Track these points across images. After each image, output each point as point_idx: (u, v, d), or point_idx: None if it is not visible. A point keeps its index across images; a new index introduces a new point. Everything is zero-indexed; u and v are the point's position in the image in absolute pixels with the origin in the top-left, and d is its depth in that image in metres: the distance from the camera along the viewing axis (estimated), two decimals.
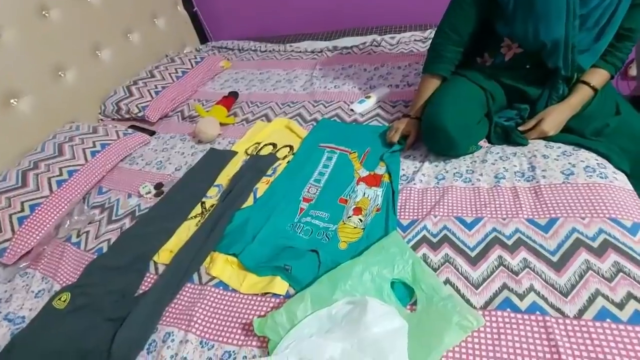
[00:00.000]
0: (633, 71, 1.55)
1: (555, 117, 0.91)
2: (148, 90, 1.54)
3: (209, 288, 0.83)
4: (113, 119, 1.56)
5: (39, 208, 1.07)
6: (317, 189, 1.00)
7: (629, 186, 0.81)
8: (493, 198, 0.84)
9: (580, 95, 0.90)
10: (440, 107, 0.93)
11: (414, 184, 0.94)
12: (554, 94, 0.91)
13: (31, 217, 1.04)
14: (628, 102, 1.04)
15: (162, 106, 1.51)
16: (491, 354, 0.60)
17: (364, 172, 1.01)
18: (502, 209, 0.82)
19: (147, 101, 1.50)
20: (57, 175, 1.16)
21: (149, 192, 1.14)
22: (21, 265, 0.99)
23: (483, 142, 1.01)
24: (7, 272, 0.99)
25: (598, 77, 0.90)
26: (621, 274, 0.65)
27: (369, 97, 1.29)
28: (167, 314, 0.79)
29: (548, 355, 0.58)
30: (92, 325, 0.78)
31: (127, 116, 1.52)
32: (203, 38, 2.13)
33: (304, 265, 0.79)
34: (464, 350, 0.61)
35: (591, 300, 0.63)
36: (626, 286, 0.63)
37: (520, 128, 0.96)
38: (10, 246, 1.00)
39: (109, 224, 1.08)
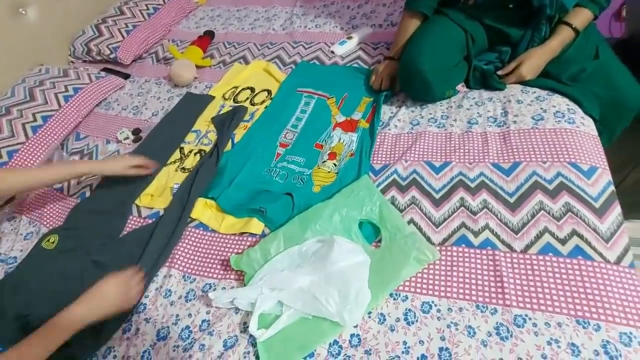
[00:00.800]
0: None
1: (534, 61, 0.90)
2: (118, 30, 1.44)
3: (189, 229, 0.87)
4: (84, 61, 1.49)
5: (17, 154, 1.06)
6: (294, 134, 1.01)
7: (594, 132, 0.83)
8: (463, 143, 0.86)
9: (561, 37, 0.88)
10: (417, 50, 0.90)
11: (389, 129, 0.95)
12: (536, 35, 0.89)
13: (9, 163, 1.05)
14: (611, 46, 1.02)
15: (134, 47, 1.43)
16: (443, 284, 0.67)
17: (340, 118, 1.01)
18: (470, 154, 0.84)
19: (119, 41, 1.42)
20: (32, 121, 1.13)
21: (127, 138, 1.14)
22: (6, 210, 1.02)
23: (461, 87, 1.00)
24: None
25: (581, 17, 0.87)
26: (570, 213, 0.70)
27: (351, 37, 1.24)
28: (151, 253, 0.84)
29: (493, 284, 0.65)
30: (81, 266, 0.83)
31: (98, 58, 1.44)
32: None
33: (279, 207, 0.83)
34: (419, 280, 0.68)
35: (538, 237, 0.69)
36: (572, 224, 0.69)
37: (499, 72, 0.95)
38: None
39: None
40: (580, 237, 0.67)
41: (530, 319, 0.60)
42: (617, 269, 0.62)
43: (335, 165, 0.91)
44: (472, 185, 0.79)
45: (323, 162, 0.92)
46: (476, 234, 0.72)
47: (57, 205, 1.01)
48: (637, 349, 0.55)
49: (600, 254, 0.64)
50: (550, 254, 0.66)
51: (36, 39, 1.37)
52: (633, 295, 0.60)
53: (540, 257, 0.66)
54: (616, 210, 0.69)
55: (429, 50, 0.89)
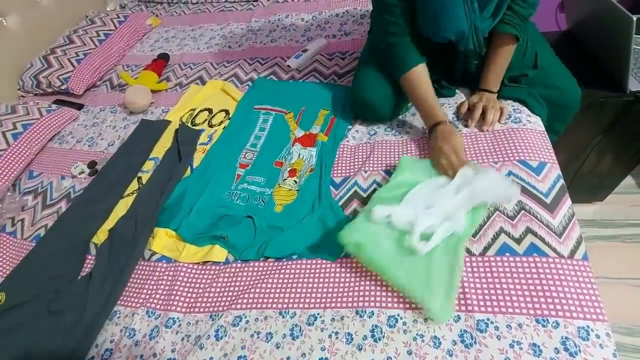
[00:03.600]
0: None
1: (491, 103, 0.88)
2: (68, 59, 1.40)
3: (152, 263, 0.84)
4: (35, 94, 1.43)
5: None
6: (253, 154, 1.00)
7: (541, 127, 0.86)
8: (418, 149, 0.87)
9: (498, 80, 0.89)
10: (361, 82, 0.94)
11: (347, 141, 0.95)
12: (471, 58, 0.91)
13: None
14: (555, 39, 1.05)
15: (86, 76, 1.39)
16: (408, 300, 0.66)
17: (299, 133, 1.01)
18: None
19: (69, 71, 1.37)
20: None
21: (82, 172, 1.09)
22: None
23: None
24: None
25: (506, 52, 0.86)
26: (523, 211, 0.71)
27: (306, 50, 1.24)
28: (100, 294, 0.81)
29: None
30: (34, 316, 0.78)
31: (49, 90, 1.39)
32: None
33: (240, 232, 0.81)
34: (384, 294, 0.67)
35: (495, 238, 0.70)
36: (526, 222, 0.70)
37: (470, 126, 0.89)
38: None
39: (45, 209, 1.04)
40: (534, 234, 0.68)
41: (492, 322, 0.60)
42: (570, 262, 0.64)
43: (295, 182, 0.90)
44: None
45: (284, 180, 0.91)
46: None
47: (11, 251, 0.95)
48: (594, 342, 0.56)
49: (554, 249, 0.66)
50: (507, 254, 0.67)
51: None
52: (587, 288, 0.61)
53: (498, 259, 0.67)
54: (567, 203, 0.71)
55: (379, 83, 0.91)
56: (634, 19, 0.83)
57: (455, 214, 0.67)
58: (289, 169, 0.93)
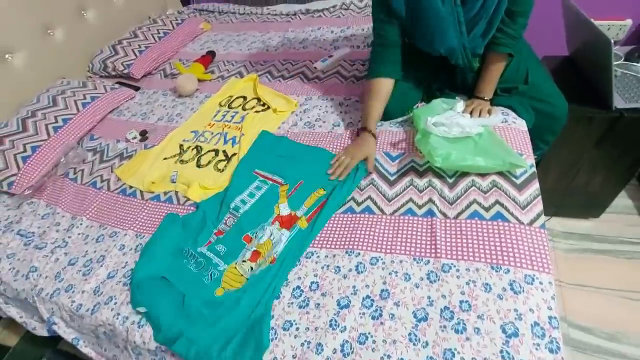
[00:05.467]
0: None
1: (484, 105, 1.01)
2: (132, 50, 1.66)
3: (188, 208, 1.02)
4: (101, 76, 1.70)
5: (39, 149, 1.24)
6: (234, 220, 0.94)
7: (524, 127, 0.99)
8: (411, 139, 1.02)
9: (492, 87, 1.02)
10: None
11: (356, 128, 1.12)
12: (467, 71, 1.05)
13: (33, 156, 1.22)
14: (558, 63, 1.17)
15: (145, 64, 1.64)
16: (389, 244, 0.80)
17: (285, 210, 0.93)
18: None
19: (132, 59, 1.63)
20: (54, 123, 1.32)
21: (135, 137, 1.31)
22: (26, 194, 1.17)
23: (420, 104, 1.16)
24: (14, 201, 1.17)
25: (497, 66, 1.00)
26: (495, 188, 0.85)
27: (331, 56, 1.44)
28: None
29: (428, 243, 0.79)
30: None
31: (113, 73, 1.65)
32: (184, 0, 2.21)
33: (165, 304, 0.79)
34: (370, 240, 0.81)
35: (468, 206, 0.83)
36: (496, 196, 0.83)
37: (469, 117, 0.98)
38: (17, 180, 1.18)
39: (101, 163, 1.26)
40: (502, 205, 0.81)
41: (454, 266, 0.73)
42: (529, 228, 0.76)
43: (251, 269, 0.82)
44: (421, 169, 0.94)
45: (242, 261, 0.84)
46: (420, 206, 0.86)
47: (71, 192, 1.17)
48: (537, 287, 0.68)
49: (516, 218, 0.78)
50: (476, 218, 0.80)
51: (60, 57, 1.58)
52: (540, 248, 0.73)
53: (468, 221, 0.80)
54: (534, 186, 0.84)
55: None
56: (612, 40, 0.97)
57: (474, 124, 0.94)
58: (253, 249, 0.86)
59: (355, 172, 0.96)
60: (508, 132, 0.97)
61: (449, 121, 0.93)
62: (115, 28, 1.79)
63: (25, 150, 1.23)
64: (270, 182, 1.01)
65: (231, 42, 1.77)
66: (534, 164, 0.89)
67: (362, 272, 0.77)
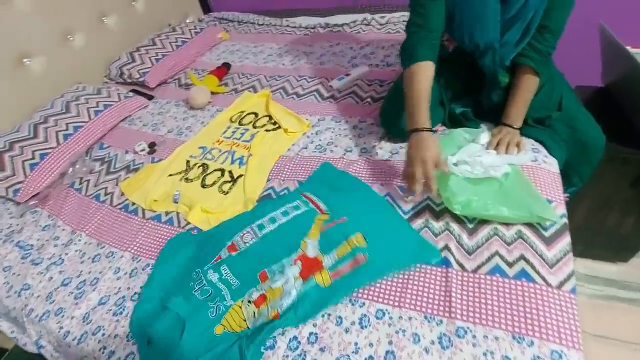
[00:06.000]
0: None
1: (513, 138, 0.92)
2: (149, 58, 1.65)
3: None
4: (117, 82, 1.69)
5: (47, 157, 1.22)
6: (252, 237, 0.83)
7: (555, 169, 0.90)
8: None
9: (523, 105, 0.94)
10: (390, 96, 1.03)
11: (370, 155, 1.05)
12: (491, 85, 0.98)
13: (41, 164, 1.20)
14: (591, 94, 1.09)
15: (161, 73, 1.63)
16: (397, 295, 0.73)
17: (311, 250, 0.79)
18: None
19: (148, 67, 1.62)
20: (64, 130, 1.31)
21: (143, 150, 1.28)
22: (30, 204, 1.16)
23: (439, 127, 1.08)
24: (19, 209, 1.16)
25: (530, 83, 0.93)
26: (520, 239, 0.76)
27: (348, 74, 1.38)
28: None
29: (442, 298, 0.71)
30: None
31: (129, 81, 1.64)
32: (206, 8, 2.20)
33: (164, 335, 0.74)
34: (377, 290, 0.74)
35: (489, 259, 0.75)
36: (521, 250, 0.75)
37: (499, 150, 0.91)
38: (23, 187, 1.16)
39: (107, 175, 1.23)
40: (527, 261, 0.73)
41: (470, 331, 0.65)
42: (557, 292, 0.68)
43: (253, 314, 0.72)
44: (437, 209, 0.87)
45: (249, 301, 0.74)
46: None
47: (74, 204, 1.14)
48: None
49: (543, 278, 0.70)
50: (498, 274, 0.72)
51: (78, 62, 1.58)
52: (569, 317, 0.64)
53: (488, 277, 0.72)
54: (565, 240, 0.75)
55: (400, 96, 0.99)
56: None
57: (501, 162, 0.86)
58: (263, 291, 0.75)
59: (402, 247, 0.77)
60: (537, 172, 0.88)
61: (471, 159, 0.85)
62: (135, 35, 1.78)
63: (33, 158, 1.22)
64: (312, 205, 0.87)
65: (248, 53, 1.74)
66: (565, 214, 0.80)
67: (366, 326, 0.69)
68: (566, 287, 0.68)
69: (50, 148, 1.25)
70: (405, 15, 1.65)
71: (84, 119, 1.36)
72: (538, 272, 0.71)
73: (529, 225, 0.78)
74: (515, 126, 0.94)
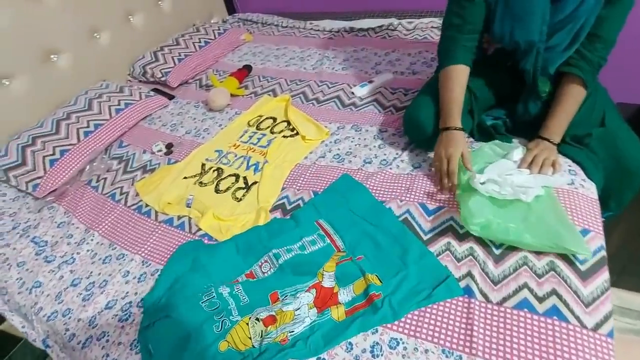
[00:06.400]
0: None
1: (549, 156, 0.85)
2: (172, 57, 1.65)
3: (197, 237, 0.95)
4: (139, 81, 1.70)
5: (67, 154, 1.23)
6: (270, 268, 0.82)
7: (593, 195, 0.83)
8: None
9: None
10: (418, 104, 0.98)
11: (390, 168, 1.00)
12: (533, 94, 0.91)
13: (60, 160, 1.22)
14: (630, 115, 1.01)
15: (183, 73, 1.63)
16: (414, 323, 0.68)
17: (328, 281, 0.77)
18: None
19: (170, 67, 1.62)
20: (85, 127, 1.32)
21: (160, 150, 1.28)
22: (48, 199, 1.17)
23: (466, 137, 1.03)
24: (36, 204, 1.17)
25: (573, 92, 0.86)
26: (552, 272, 0.70)
27: (372, 81, 1.33)
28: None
29: (462, 331, 0.65)
30: None
31: (151, 79, 1.65)
32: (230, 9, 2.20)
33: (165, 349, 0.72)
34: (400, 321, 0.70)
35: (516, 291, 0.69)
36: (553, 284, 0.68)
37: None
38: (42, 183, 1.17)
39: (124, 174, 1.23)
40: (559, 297, 0.66)
41: None
42: (593, 335, 0.61)
43: (260, 334, 0.70)
44: (461, 231, 0.81)
45: (257, 319, 0.72)
46: (457, 279, 0.73)
47: (91, 201, 1.15)
48: None
49: (578, 318, 0.63)
50: (526, 309, 0.66)
51: (104, 59, 1.60)
52: None
53: (515, 312, 0.66)
54: (603, 276, 0.68)
55: (429, 105, 0.96)
56: None
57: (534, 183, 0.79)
58: (272, 312, 0.73)
59: (415, 293, 0.72)
60: (573, 198, 0.81)
61: (501, 178, 0.79)
62: (160, 34, 1.80)
63: (54, 153, 1.23)
64: (329, 241, 0.86)
65: (270, 55, 1.71)
66: (604, 246, 0.73)
67: (378, 356, 0.65)
68: (603, 330, 0.62)
69: (71, 145, 1.26)
70: (434, 21, 1.60)
71: (105, 117, 1.37)
72: (572, 311, 0.64)
73: (563, 255, 0.72)
74: (553, 141, 0.87)
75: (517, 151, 0.86)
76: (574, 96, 0.85)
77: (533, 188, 0.78)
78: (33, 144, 1.24)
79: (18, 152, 1.23)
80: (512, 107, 1.00)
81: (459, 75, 0.91)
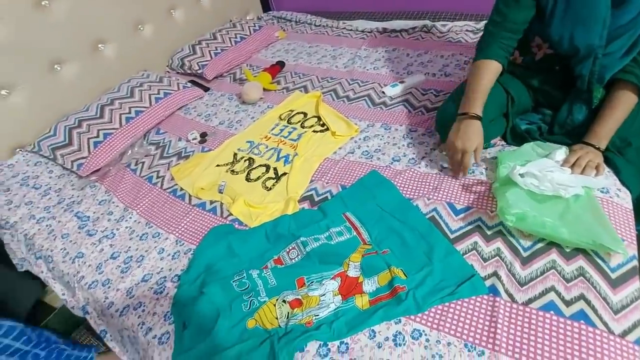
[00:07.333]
0: None
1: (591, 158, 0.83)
2: (209, 51, 1.72)
3: (228, 220, 1.00)
4: (177, 72, 1.78)
5: (110, 137, 1.31)
6: (298, 254, 0.85)
7: (628, 205, 0.81)
8: (490, 193, 0.89)
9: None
10: (452, 104, 0.98)
11: (419, 167, 1.01)
12: (578, 101, 0.91)
13: (104, 143, 1.30)
14: None
15: (218, 67, 1.69)
16: (437, 317, 0.69)
17: (353, 270, 0.79)
18: (494, 204, 0.87)
19: (207, 60, 1.69)
20: (127, 113, 1.40)
21: (195, 138, 1.34)
22: (91, 179, 1.25)
23: (498, 141, 1.03)
24: (80, 182, 1.25)
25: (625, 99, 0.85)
26: (581, 277, 0.69)
27: (403, 82, 1.34)
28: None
29: (486, 328, 0.66)
30: None
31: (188, 71, 1.72)
32: (265, 6, 2.26)
33: (196, 323, 0.76)
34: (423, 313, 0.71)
35: (543, 294, 0.69)
36: (582, 289, 0.68)
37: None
38: (86, 162, 1.26)
39: (160, 159, 1.30)
40: (588, 302, 0.66)
41: None
42: (620, 341, 0.61)
43: (286, 316, 0.73)
44: (489, 232, 0.81)
45: (283, 300, 0.76)
46: (483, 278, 0.74)
47: (129, 183, 1.22)
48: None
49: (606, 324, 0.63)
50: (552, 311, 0.66)
51: (146, 50, 1.69)
52: None
53: (541, 313, 0.66)
54: (634, 285, 0.67)
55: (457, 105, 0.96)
56: None
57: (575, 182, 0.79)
58: (299, 296, 0.76)
59: (438, 285, 0.73)
60: (607, 207, 0.80)
61: (541, 173, 0.79)
62: (198, 28, 1.87)
63: (98, 136, 1.31)
64: (355, 233, 0.87)
65: (302, 53, 1.75)
66: (637, 256, 0.72)
67: (400, 345, 0.67)
68: (630, 337, 0.61)
69: (114, 129, 1.34)
70: (468, 24, 1.59)
71: (145, 105, 1.44)
72: (600, 317, 0.64)
73: (593, 262, 0.71)
74: (599, 147, 0.85)
75: (560, 152, 0.85)
76: (625, 103, 0.84)
77: (573, 187, 0.77)
78: (79, 126, 1.33)
79: (65, 133, 1.33)
80: (548, 113, 0.99)
81: (489, 69, 0.92)
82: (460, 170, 0.91)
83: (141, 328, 0.80)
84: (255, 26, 1.90)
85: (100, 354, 1.11)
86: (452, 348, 0.65)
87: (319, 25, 1.96)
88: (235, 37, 1.81)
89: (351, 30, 1.83)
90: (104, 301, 0.88)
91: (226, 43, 1.78)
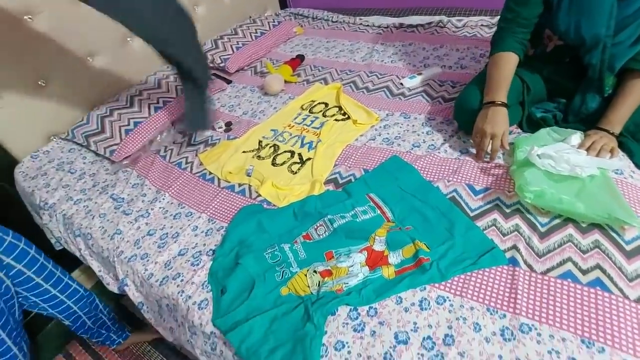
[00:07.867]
0: None
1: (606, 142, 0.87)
2: (230, 45, 1.79)
3: (257, 200, 1.06)
4: None
5: (140, 125, 1.38)
6: (325, 231, 0.90)
7: None
8: (508, 176, 0.94)
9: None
10: (471, 90, 1.03)
11: (439, 152, 1.06)
12: (590, 89, 0.95)
13: (134, 130, 1.36)
14: None
15: (240, 60, 1.75)
16: (460, 285, 0.74)
17: (379, 245, 0.84)
18: (512, 184, 0.91)
19: (229, 54, 1.75)
20: (155, 103, 1.46)
21: (221, 127, 1.40)
22: (124, 164, 1.32)
23: (515, 128, 1.08)
24: (113, 167, 1.32)
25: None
26: (597, 249, 0.74)
27: (420, 74, 1.39)
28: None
29: (507, 294, 0.71)
30: None
31: (211, 65, 1.78)
32: (283, 3, 2.32)
33: (233, 290, 0.82)
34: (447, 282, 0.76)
35: (561, 264, 0.73)
36: (597, 259, 0.72)
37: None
38: (118, 149, 1.32)
39: (188, 146, 1.36)
40: (603, 271, 0.70)
41: (535, 328, 0.65)
42: (635, 306, 0.65)
43: (318, 284, 0.79)
44: (507, 210, 0.86)
45: (314, 271, 0.81)
46: (503, 251, 0.78)
47: (159, 168, 1.28)
48: None
49: (621, 290, 0.67)
50: (569, 279, 0.70)
51: None
52: None
53: (559, 281, 0.71)
54: None
55: (473, 92, 1.01)
56: None
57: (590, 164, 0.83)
58: (328, 267, 0.81)
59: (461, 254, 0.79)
60: (622, 187, 0.84)
61: (558, 155, 0.83)
62: (220, 24, 1.94)
63: (128, 124, 1.38)
64: (379, 212, 0.92)
65: (320, 47, 1.81)
66: None
67: (425, 309, 0.72)
68: None
69: (143, 118, 1.40)
70: (483, 19, 1.63)
71: (172, 95, 1.51)
72: (615, 284, 0.68)
73: (608, 235, 0.75)
74: (614, 132, 0.89)
75: (575, 136, 0.89)
76: (637, 91, 0.87)
77: (589, 168, 0.81)
78: (111, 115, 1.40)
79: (98, 121, 1.40)
80: (563, 101, 1.03)
81: (508, 60, 0.97)
82: (483, 155, 0.97)
83: (181, 296, 0.86)
84: (274, 22, 1.97)
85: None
86: (475, 312, 0.69)
87: (336, 21, 2.02)
88: (256, 32, 1.88)
89: (367, 25, 1.89)
90: (144, 272, 0.94)
91: (247, 38, 1.84)
